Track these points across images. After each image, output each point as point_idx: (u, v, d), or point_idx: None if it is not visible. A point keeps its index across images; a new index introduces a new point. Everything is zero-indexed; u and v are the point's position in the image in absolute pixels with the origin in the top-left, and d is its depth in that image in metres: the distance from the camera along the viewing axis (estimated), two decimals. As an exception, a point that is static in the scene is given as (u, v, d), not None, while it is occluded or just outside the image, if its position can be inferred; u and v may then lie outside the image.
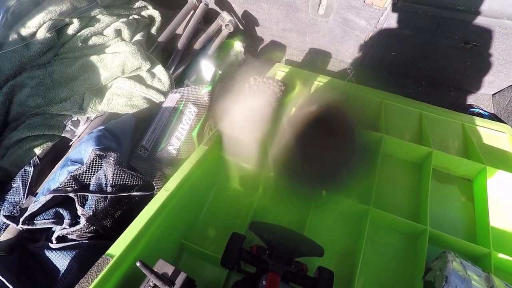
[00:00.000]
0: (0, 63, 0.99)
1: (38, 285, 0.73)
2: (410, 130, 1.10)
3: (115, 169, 0.76)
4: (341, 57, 1.68)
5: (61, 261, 0.74)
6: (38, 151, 0.97)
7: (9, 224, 0.78)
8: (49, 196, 0.73)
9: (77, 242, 0.77)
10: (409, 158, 1.01)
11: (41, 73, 1.00)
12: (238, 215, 0.89)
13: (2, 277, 0.67)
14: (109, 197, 0.77)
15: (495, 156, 1.03)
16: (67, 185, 0.75)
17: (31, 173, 0.88)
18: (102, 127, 0.88)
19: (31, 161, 0.90)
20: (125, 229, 0.65)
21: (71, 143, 0.98)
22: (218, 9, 1.59)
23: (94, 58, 1.06)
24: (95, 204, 0.76)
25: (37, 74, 1.00)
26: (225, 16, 1.43)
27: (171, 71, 1.22)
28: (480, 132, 1.08)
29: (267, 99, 0.88)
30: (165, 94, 1.10)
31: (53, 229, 0.80)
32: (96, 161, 0.78)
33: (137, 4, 1.31)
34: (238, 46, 1.53)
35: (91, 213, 0.75)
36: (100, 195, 0.75)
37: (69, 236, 0.78)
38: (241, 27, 1.71)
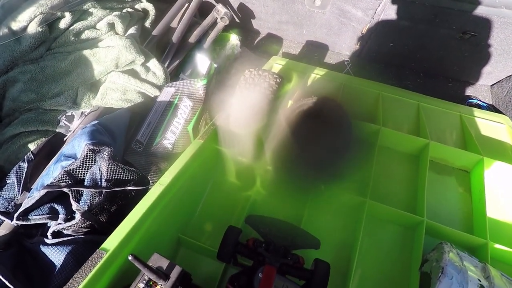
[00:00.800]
0: (-9, 58, 0.98)
1: (34, 280, 0.73)
2: (407, 122, 1.09)
3: (109, 163, 0.75)
4: (338, 49, 1.66)
5: (57, 256, 0.74)
6: (32, 146, 0.96)
7: (4, 220, 0.78)
8: (43, 192, 0.72)
9: (72, 237, 0.77)
10: (406, 150, 1.01)
11: (33, 68, 0.99)
12: (235, 208, 0.89)
13: (-2, 273, 0.66)
14: (104, 192, 0.77)
15: (493, 147, 1.02)
16: (61, 180, 0.74)
17: (26, 169, 0.87)
18: (96, 121, 0.87)
19: (25, 157, 0.89)
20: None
21: (65, 138, 0.97)
22: (213, 1, 1.57)
23: (87, 52, 1.04)
24: (90, 199, 0.76)
25: (29, 69, 0.98)
26: (220, 9, 1.41)
27: (165, 65, 1.20)
28: (478, 123, 1.08)
29: (262, 91, 0.87)
30: (160, 88, 1.09)
31: (48, 225, 0.79)
32: (89, 155, 0.77)
33: (131, -3, 1.29)
34: (234, 39, 1.51)
35: (86, 208, 0.74)
36: (94, 190, 0.75)
37: (65, 232, 0.77)
38: (237, 20, 1.69)
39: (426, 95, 1.14)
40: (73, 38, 1.08)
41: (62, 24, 1.07)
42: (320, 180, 0.85)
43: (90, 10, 1.14)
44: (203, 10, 1.52)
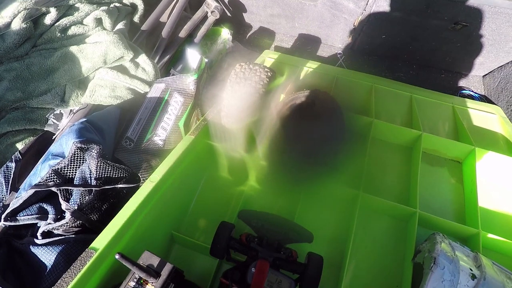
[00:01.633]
0: (-26, 56, 0.95)
1: (25, 281, 0.71)
2: (400, 114, 1.09)
3: (98, 161, 0.74)
4: (331, 42, 1.65)
5: (47, 256, 0.72)
6: (20, 146, 0.94)
7: (-8, 222, 0.76)
8: (31, 192, 0.71)
9: (63, 237, 0.75)
10: (399, 142, 1.01)
11: (18, 65, 0.96)
12: (228, 204, 0.88)
13: (-14, 274, 0.65)
14: (94, 191, 0.75)
15: (484, 137, 1.03)
16: (49, 179, 0.73)
17: (13, 169, 0.85)
18: (84, 119, 0.85)
19: (12, 157, 0.87)
20: (112, 222, 0.63)
21: (54, 137, 0.96)
22: (203, -5, 1.54)
23: (74, 49, 1.02)
24: (80, 198, 0.75)
25: (14, 66, 0.96)
26: (211, 2, 1.38)
27: (155, 60, 1.18)
28: (470, 114, 1.08)
29: (253, 86, 0.86)
30: (150, 84, 1.07)
31: (38, 225, 0.78)
32: (77, 154, 0.76)
33: (118, -9, 1.26)
34: (225, 33, 1.49)
35: (76, 207, 0.73)
36: (84, 189, 0.74)
37: (55, 231, 0.76)
38: (228, 14, 1.66)
39: (419, 86, 1.14)
40: (59, 34, 1.05)
41: (48, 20, 1.04)
42: (313, 174, 0.84)
43: (76, 5, 1.11)
44: (193, 4, 1.49)
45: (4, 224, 0.73)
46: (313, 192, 0.87)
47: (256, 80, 0.89)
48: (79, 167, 0.77)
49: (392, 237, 0.83)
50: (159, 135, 0.96)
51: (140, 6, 1.30)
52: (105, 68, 1.04)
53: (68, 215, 0.73)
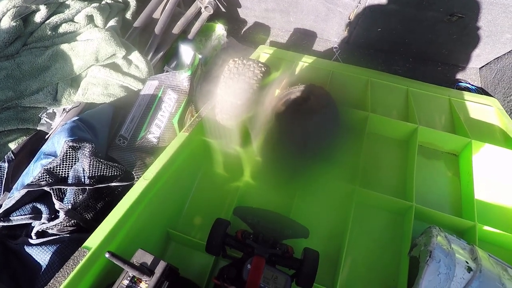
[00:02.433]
0: (-36, 55, 0.94)
1: (20, 281, 0.71)
2: (397, 107, 1.09)
3: (90, 160, 0.73)
4: (326, 36, 1.64)
5: (42, 256, 0.72)
6: (13, 146, 0.93)
7: (-15, 223, 0.75)
8: (23, 191, 0.70)
9: (58, 237, 0.75)
10: (395, 136, 1.00)
11: (9, 64, 0.95)
12: (224, 201, 0.88)
13: (-20, 276, 0.65)
14: (87, 189, 0.75)
15: (481, 130, 1.02)
16: (41, 179, 0.72)
17: (6, 169, 0.85)
18: (76, 117, 0.84)
19: (5, 157, 0.86)
20: (107, 221, 0.63)
21: (47, 136, 0.95)
22: (197, -10, 1.52)
23: (65, 47, 1.00)
24: (74, 197, 0.74)
25: (4, 65, 0.94)
26: (204, -3, 1.37)
27: (149, 57, 1.17)
28: (467, 107, 1.07)
29: (247, 81, 0.85)
30: (143, 81, 1.06)
31: (32, 225, 0.77)
32: (69, 153, 0.75)
33: (110, -12, 1.24)
34: (220, 29, 1.48)
35: (70, 207, 0.72)
36: (77, 188, 0.73)
37: (49, 231, 0.75)
38: (222, 9, 1.64)
39: (416, 80, 1.13)
40: (50, 32, 1.03)
41: (38, 17, 1.02)
42: (309, 169, 0.84)
43: (67, 2, 1.10)
44: (187, 0, 1.47)
45: (-3, 225, 0.72)
46: (309, 187, 0.86)
47: (250, 75, 0.88)
48: (72, 166, 0.76)
49: (388, 231, 0.83)
50: (153, 132, 0.95)
51: (132, 3, 1.28)
52: (98, 66, 1.02)
53: (62, 215, 0.73)
